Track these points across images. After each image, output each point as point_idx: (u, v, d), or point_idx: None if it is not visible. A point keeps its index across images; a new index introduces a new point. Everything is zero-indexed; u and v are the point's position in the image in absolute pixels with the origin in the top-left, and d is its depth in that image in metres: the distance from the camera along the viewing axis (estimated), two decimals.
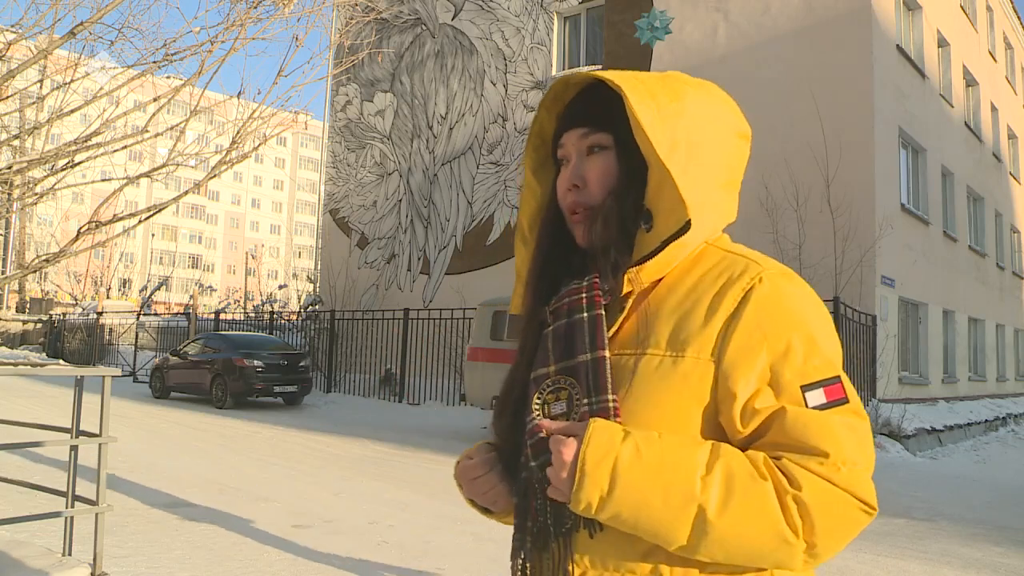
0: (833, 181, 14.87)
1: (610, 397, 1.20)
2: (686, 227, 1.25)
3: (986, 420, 18.02)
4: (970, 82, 23.18)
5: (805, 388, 1.16)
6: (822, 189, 14.96)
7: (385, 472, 9.81)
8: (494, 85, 21.55)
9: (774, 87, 16.45)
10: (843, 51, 15.90)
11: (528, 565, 1.27)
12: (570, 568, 1.22)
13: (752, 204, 15.22)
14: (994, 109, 25.37)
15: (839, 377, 1.18)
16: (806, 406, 1.15)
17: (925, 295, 18.18)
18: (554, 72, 20.38)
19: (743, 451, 1.16)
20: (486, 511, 1.43)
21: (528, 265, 1.42)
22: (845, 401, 1.17)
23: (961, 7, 22.47)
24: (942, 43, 20.64)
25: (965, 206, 21.92)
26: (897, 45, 17.38)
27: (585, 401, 1.21)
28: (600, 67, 19.17)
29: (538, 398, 1.27)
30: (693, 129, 1.26)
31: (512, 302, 1.48)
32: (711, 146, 1.29)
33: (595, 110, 1.33)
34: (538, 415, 1.25)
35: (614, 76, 1.27)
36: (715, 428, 1.19)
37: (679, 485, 1.11)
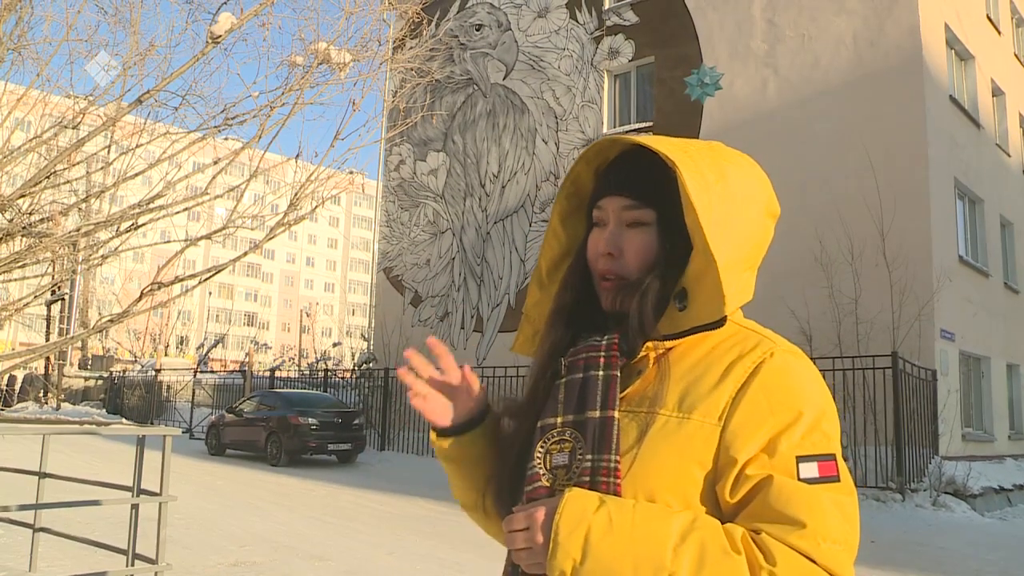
0: (888, 234, 14.65)
1: (613, 457, 1.22)
2: (720, 322, 1.30)
3: None
4: None
5: (800, 459, 1.17)
6: (877, 242, 14.74)
7: (440, 531, 9.76)
8: (545, 143, 21.75)
9: (825, 141, 16.38)
10: (895, 103, 15.81)
11: None
12: None
13: (806, 259, 15.05)
14: None
15: (835, 455, 1.20)
16: (798, 477, 1.16)
17: (987, 348, 17.74)
18: (605, 130, 20.51)
19: (730, 521, 1.17)
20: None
21: (546, 312, 1.44)
22: (837, 479, 1.18)
23: (1015, 55, 22.24)
24: (996, 92, 20.41)
25: None
26: (950, 95, 17.24)
27: (588, 457, 1.23)
28: (650, 124, 19.28)
29: (541, 447, 1.28)
30: (734, 212, 1.28)
31: (516, 340, 1.52)
32: (746, 228, 1.30)
33: (639, 181, 1.34)
34: (539, 464, 1.27)
35: (668, 150, 1.27)
36: (713, 493, 1.21)
37: (649, 556, 1.12)
